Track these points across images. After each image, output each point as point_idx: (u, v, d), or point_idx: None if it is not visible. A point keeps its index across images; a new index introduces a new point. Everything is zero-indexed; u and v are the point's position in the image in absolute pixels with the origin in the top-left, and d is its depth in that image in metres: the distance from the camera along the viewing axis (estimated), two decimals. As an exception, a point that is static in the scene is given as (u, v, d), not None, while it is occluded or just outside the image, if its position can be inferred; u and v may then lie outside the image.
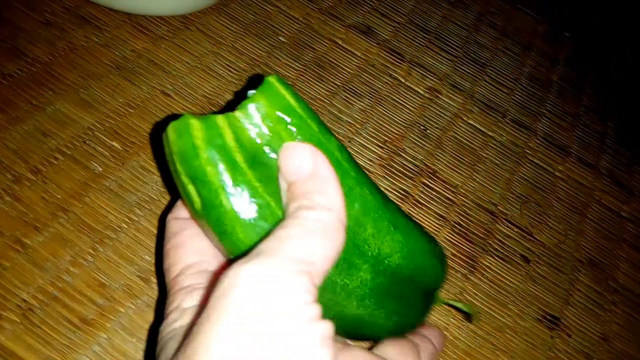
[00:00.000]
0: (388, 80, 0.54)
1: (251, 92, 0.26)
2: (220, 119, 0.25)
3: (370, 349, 0.29)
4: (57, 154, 0.39)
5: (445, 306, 0.41)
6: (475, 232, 0.47)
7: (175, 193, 0.39)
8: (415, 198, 0.47)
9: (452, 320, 0.41)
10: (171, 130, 0.25)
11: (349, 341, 0.32)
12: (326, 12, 0.57)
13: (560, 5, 0.74)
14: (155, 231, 0.38)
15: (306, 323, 0.20)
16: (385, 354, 0.28)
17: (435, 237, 0.44)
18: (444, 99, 0.55)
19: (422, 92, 0.55)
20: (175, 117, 0.25)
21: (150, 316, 0.35)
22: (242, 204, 0.25)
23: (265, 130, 0.26)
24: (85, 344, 0.32)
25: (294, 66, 0.51)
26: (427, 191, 0.48)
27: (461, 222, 0.47)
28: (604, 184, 0.56)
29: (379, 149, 0.49)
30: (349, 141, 0.48)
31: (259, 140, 0.25)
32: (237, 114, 0.25)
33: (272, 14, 0.54)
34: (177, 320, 0.25)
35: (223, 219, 0.25)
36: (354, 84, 0.52)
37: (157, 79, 0.45)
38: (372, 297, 0.28)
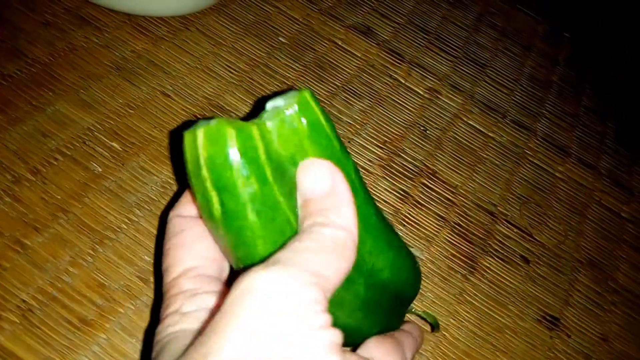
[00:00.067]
0: (388, 80, 0.54)
1: (277, 102, 0.26)
2: (254, 130, 0.24)
3: (353, 350, 0.30)
4: (57, 154, 0.39)
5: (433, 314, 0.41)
6: (475, 232, 0.47)
7: (180, 189, 0.40)
8: (415, 198, 0.47)
9: (451, 320, 0.41)
10: (203, 134, 0.24)
11: None
12: (326, 13, 0.57)
13: (560, 6, 0.74)
14: (155, 232, 0.38)
15: (316, 330, 0.20)
16: (372, 355, 0.28)
17: (435, 237, 0.45)
18: (444, 99, 0.55)
19: (422, 93, 0.55)
20: (188, 123, 0.25)
21: (150, 317, 0.35)
22: (266, 218, 0.25)
23: (293, 143, 0.25)
24: (84, 344, 0.32)
25: (294, 67, 0.51)
26: (427, 192, 0.48)
27: (461, 223, 0.47)
28: (604, 185, 0.56)
29: (379, 149, 0.49)
30: (349, 142, 0.48)
31: (284, 152, 0.25)
32: (269, 125, 0.25)
33: (272, 15, 0.54)
34: (176, 324, 0.24)
35: (245, 231, 0.25)
36: (354, 85, 0.52)
37: (157, 79, 0.45)
38: (363, 309, 0.29)
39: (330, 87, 0.51)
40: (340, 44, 0.55)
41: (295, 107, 0.25)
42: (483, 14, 0.67)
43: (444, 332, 0.40)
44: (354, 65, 0.54)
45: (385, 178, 0.47)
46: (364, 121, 0.50)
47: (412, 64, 0.57)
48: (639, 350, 0.45)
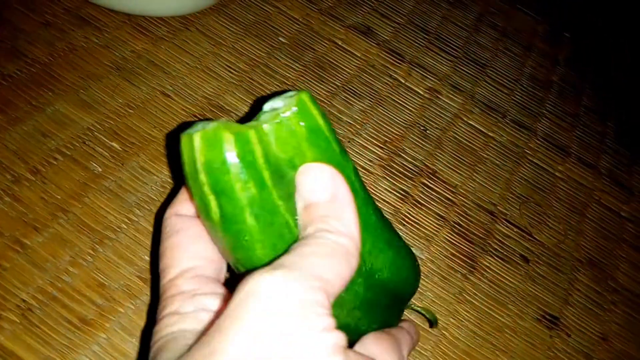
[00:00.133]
0: (388, 80, 0.54)
1: (274, 103, 0.26)
2: (252, 134, 0.24)
3: (350, 346, 0.30)
4: (57, 154, 0.39)
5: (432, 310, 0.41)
6: (474, 232, 0.47)
7: (176, 187, 0.40)
8: (415, 198, 0.47)
9: (451, 320, 0.41)
10: (200, 138, 0.24)
11: None
12: (326, 13, 0.57)
13: (560, 6, 0.74)
14: (154, 232, 0.38)
15: (320, 332, 0.20)
16: (370, 352, 0.28)
17: (434, 237, 0.45)
18: (444, 99, 0.55)
19: (422, 93, 0.55)
20: (187, 123, 0.25)
21: (147, 317, 0.35)
22: (264, 222, 0.25)
23: (291, 146, 0.25)
24: (84, 344, 0.32)
25: (294, 67, 0.51)
26: (427, 191, 0.48)
27: (461, 222, 0.47)
28: (604, 184, 0.56)
29: (379, 149, 0.49)
30: (349, 142, 0.48)
31: (282, 156, 0.25)
32: (267, 127, 0.25)
33: (272, 15, 0.54)
34: (175, 324, 0.24)
35: (244, 235, 0.25)
36: (354, 85, 0.52)
37: (157, 79, 0.45)
38: (361, 309, 0.29)
39: (330, 87, 0.51)
40: (340, 44, 0.55)
41: (294, 109, 0.25)
42: (483, 14, 0.67)
43: (444, 332, 0.40)
44: (354, 65, 0.54)
45: (385, 178, 0.47)
46: (364, 121, 0.50)
47: (412, 64, 0.57)
48: (639, 349, 0.45)
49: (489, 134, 0.54)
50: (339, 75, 0.52)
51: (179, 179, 0.40)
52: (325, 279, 0.22)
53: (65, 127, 0.40)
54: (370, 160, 0.48)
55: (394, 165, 0.48)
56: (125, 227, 0.37)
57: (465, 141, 0.53)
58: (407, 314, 0.40)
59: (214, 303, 0.25)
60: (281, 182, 0.25)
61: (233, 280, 0.23)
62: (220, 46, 0.49)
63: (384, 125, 0.51)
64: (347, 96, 0.51)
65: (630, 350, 0.45)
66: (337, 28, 0.56)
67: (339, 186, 0.25)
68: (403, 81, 0.55)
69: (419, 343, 0.39)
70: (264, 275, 0.21)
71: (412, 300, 0.37)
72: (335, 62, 0.53)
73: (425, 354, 0.39)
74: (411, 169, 0.48)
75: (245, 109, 0.46)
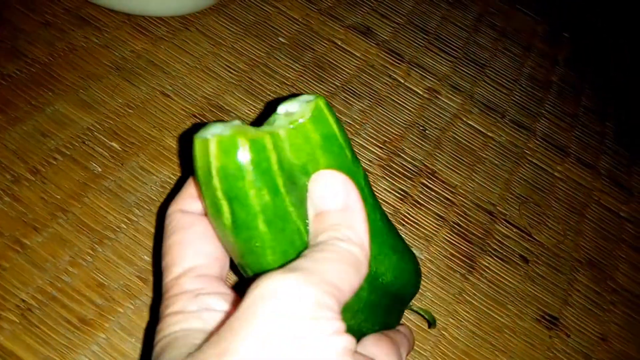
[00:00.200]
0: (387, 80, 0.54)
1: (289, 107, 0.26)
2: (267, 140, 0.24)
3: None
4: (57, 154, 0.39)
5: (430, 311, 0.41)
6: (474, 232, 0.47)
7: (178, 185, 0.40)
8: (414, 198, 0.47)
9: (451, 320, 0.41)
10: (215, 144, 0.24)
11: None
12: (325, 13, 0.57)
13: (560, 6, 0.74)
14: (154, 232, 0.38)
15: (329, 336, 0.21)
16: (371, 354, 0.29)
17: (434, 237, 0.45)
18: (443, 99, 0.55)
19: (421, 93, 0.55)
20: (199, 124, 0.24)
21: (149, 317, 0.35)
22: (276, 228, 0.25)
23: (305, 153, 0.25)
24: (84, 344, 0.32)
25: (294, 67, 0.51)
26: (426, 191, 0.48)
27: (460, 223, 0.47)
28: (603, 184, 0.56)
29: (379, 149, 0.49)
30: (348, 142, 0.48)
31: (295, 162, 0.25)
32: (282, 133, 0.25)
33: (271, 15, 0.54)
34: (178, 323, 0.24)
35: (255, 241, 0.25)
36: (354, 85, 0.52)
37: (157, 79, 0.45)
38: (365, 311, 0.29)
39: (329, 87, 0.51)
40: (339, 44, 0.55)
41: (309, 116, 0.25)
42: (483, 14, 0.67)
43: (443, 332, 0.41)
44: (354, 65, 0.54)
45: (384, 178, 0.47)
46: (364, 121, 0.50)
47: (411, 64, 0.57)
48: (638, 349, 0.45)
49: (488, 134, 0.54)
50: (339, 75, 0.52)
51: (184, 175, 0.40)
52: (337, 285, 0.22)
53: (65, 127, 0.40)
54: (370, 160, 0.48)
55: (393, 165, 0.48)
56: (124, 227, 0.37)
57: (464, 141, 0.53)
58: (406, 314, 0.40)
59: (218, 303, 0.25)
60: (293, 188, 0.25)
61: (241, 284, 0.23)
62: (220, 46, 0.49)
63: (384, 125, 0.51)
64: (347, 96, 0.51)
65: (630, 351, 0.45)
66: (337, 28, 0.56)
67: (351, 195, 0.25)
68: (402, 81, 0.55)
69: (419, 343, 0.39)
70: (278, 277, 0.21)
71: (411, 301, 0.37)
72: (334, 62, 0.53)
73: (425, 354, 0.39)
74: (410, 169, 0.49)
75: (245, 108, 0.46)
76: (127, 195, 0.39)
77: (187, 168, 0.40)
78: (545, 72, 0.64)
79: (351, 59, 0.54)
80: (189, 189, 0.29)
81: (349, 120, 0.49)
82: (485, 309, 0.43)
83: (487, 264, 0.45)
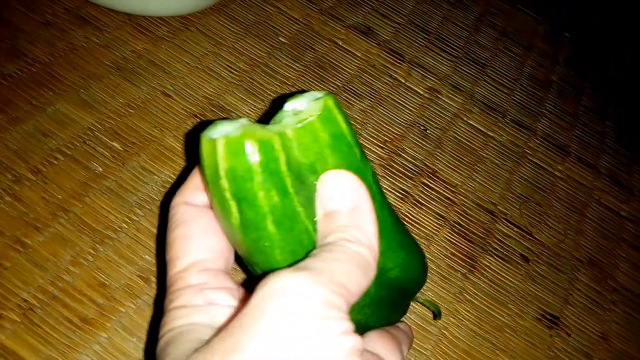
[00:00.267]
0: (388, 80, 0.54)
1: (297, 104, 0.26)
2: (276, 141, 0.24)
3: None
4: (58, 154, 0.39)
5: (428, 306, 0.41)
6: (474, 231, 0.47)
7: (181, 177, 0.40)
8: (415, 198, 0.47)
9: (451, 319, 0.41)
10: (224, 145, 0.23)
11: None
12: (326, 13, 0.57)
13: (560, 6, 0.74)
14: (155, 232, 0.38)
15: (338, 336, 0.21)
16: (375, 350, 0.29)
17: (435, 236, 0.45)
18: (444, 99, 0.55)
19: (422, 93, 0.55)
20: (206, 122, 0.24)
21: (151, 316, 0.35)
22: (284, 229, 0.25)
23: (313, 152, 0.25)
24: (85, 343, 0.33)
25: (294, 67, 0.51)
26: (427, 191, 0.48)
27: (461, 222, 0.47)
28: (604, 184, 0.56)
29: (379, 149, 0.49)
30: (349, 141, 0.48)
31: (304, 161, 0.25)
32: (290, 133, 0.24)
33: (272, 15, 0.54)
34: (183, 317, 0.24)
35: (263, 241, 0.25)
36: (354, 85, 0.52)
37: (158, 79, 0.45)
38: (372, 306, 0.29)
39: (330, 87, 0.51)
40: (340, 44, 0.55)
41: (319, 114, 0.25)
42: (483, 14, 0.67)
43: (444, 331, 0.41)
44: (355, 65, 0.54)
45: (385, 177, 0.47)
46: (365, 121, 0.50)
47: (412, 64, 0.57)
48: (639, 349, 0.45)
49: (489, 133, 0.54)
50: (339, 75, 0.52)
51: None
52: (345, 286, 0.22)
53: (66, 127, 0.40)
54: (371, 160, 0.48)
55: (394, 164, 0.48)
56: (126, 226, 0.37)
57: (465, 141, 0.53)
58: (409, 311, 0.40)
59: (224, 297, 0.25)
60: (301, 187, 0.25)
61: (249, 280, 0.23)
62: (221, 46, 0.50)
63: (384, 125, 0.51)
64: (348, 96, 0.51)
65: (630, 350, 0.45)
66: (338, 28, 0.56)
67: (360, 195, 0.25)
68: (403, 81, 0.55)
69: (420, 342, 0.39)
70: (287, 275, 0.21)
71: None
72: (335, 62, 0.53)
73: (425, 353, 0.39)
74: (411, 168, 0.49)
75: (246, 108, 0.46)
76: (128, 195, 0.39)
77: (193, 161, 0.40)
78: (545, 72, 0.64)
79: (352, 58, 0.54)
80: (194, 180, 0.28)
81: (349, 120, 0.49)
82: (486, 308, 0.43)
83: (487, 264, 0.45)
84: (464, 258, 0.45)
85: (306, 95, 0.26)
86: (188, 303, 0.25)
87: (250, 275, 0.28)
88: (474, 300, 0.43)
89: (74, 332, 0.33)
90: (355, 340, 0.21)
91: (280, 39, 0.53)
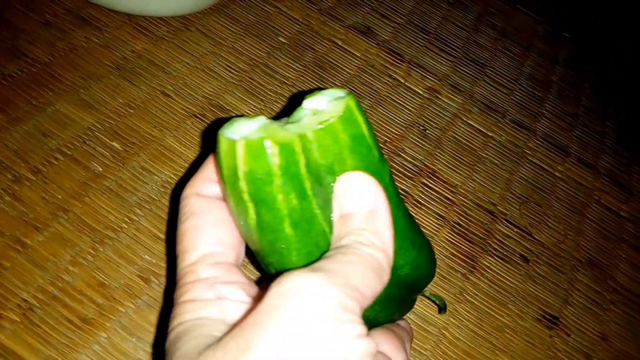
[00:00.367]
0: (388, 80, 0.54)
1: (316, 102, 0.25)
2: (296, 144, 0.24)
3: None
4: (58, 154, 0.39)
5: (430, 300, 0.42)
6: (474, 232, 0.47)
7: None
8: (414, 198, 0.47)
9: (451, 320, 0.41)
10: (243, 147, 0.23)
11: None
12: (326, 13, 0.57)
13: (560, 6, 0.74)
14: (155, 232, 0.38)
15: (352, 339, 0.21)
16: (380, 348, 0.29)
17: (434, 237, 0.45)
18: (444, 99, 0.55)
19: (421, 93, 0.55)
20: (223, 119, 0.24)
21: (150, 316, 0.35)
22: (302, 231, 0.25)
23: (332, 153, 0.24)
24: (85, 343, 0.33)
25: (294, 67, 0.51)
26: (427, 191, 0.48)
27: (461, 222, 0.47)
28: (603, 184, 0.56)
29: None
30: (349, 141, 0.48)
31: (322, 162, 0.24)
32: (310, 135, 0.24)
33: (272, 15, 0.54)
34: (195, 311, 0.24)
35: (280, 243, 0.25)
36: (354, 85, 0.52)
37: (157, 79, 0.45)
38: (382, 303, 0.29)
39: (330, 87, 0.51)
40: (340, 44, 0.55)
41: (340, 115, 0.24)
42: (483, 14, 0.67)
43: (444, 331, 0.41)
44: (354, 65, 0.54)
45: (385, 177, 0.47)
46: (364, 121, 0.50)
47: (411, 64, 0.57)
48: (639, 349, 0.45)
49: (489, 133, 0.54)
50: (339, 75, 0.52)
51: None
52: (359, 289, 0.22)
53: (66, 127, 0.40)
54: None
55: (394, 165, 0.48)
56: (125, 226, 0.37)
57: (464, 141, 0.53)
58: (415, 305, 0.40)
59: (234, 292, 0.25)
60: (319, 188, 0.25)
61: (263, 279, 0.23)
62: (221, 46, 0.50)
63: (384, 125, 0.51)
64: (347, 96, 0.51)
65: (630, 350, 0.45)
66: (337, 28, 0.56)
67: (378, 199, 0.25)
68: (403, 81, 0.55)
69: (420, 343, 0.39)
70: (301, 275, 0.21)
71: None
72: (335, 62, 0.53)
73: (425, 353, 0.39)
74: (411, 168, 0.49)
75: (246, 108, 0.46)
76: (128, 195, 0.39)
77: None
78: (545, 72, 0.64)
79: (351, 58, 0.54)
80: (207, 171, 0.28)
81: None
82: (486, 309, 0.43)
83: (487, 264, 0.45)
84: (464, 258, 0.45)
85: (325, 93, 0.26)
86: (198, 297, 0.24)
87: (261, 269, 0.28)
88: (474, 301, 0.43)
89: (74, 332, 0.33)
90: (369, 344, 0.21)
91: (280, 39, 0.53)
